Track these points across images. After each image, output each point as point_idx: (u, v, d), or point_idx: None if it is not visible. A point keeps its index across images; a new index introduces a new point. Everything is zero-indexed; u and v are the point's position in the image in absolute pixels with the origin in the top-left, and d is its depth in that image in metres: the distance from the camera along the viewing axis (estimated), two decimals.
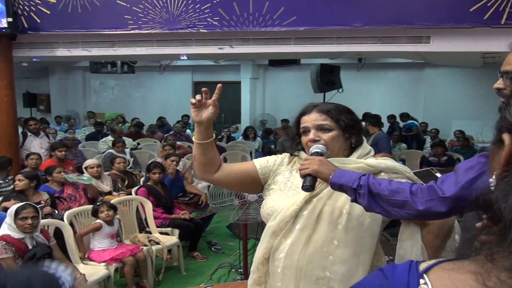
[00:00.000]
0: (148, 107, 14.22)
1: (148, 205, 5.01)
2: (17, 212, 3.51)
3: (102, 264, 4.12)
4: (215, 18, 5.92)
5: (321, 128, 1.76)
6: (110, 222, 4.29)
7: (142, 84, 14.54)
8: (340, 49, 5.97)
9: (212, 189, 4.18)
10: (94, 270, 4.00)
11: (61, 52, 6.67)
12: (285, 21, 5.74)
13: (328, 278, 1.66)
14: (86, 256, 4.22)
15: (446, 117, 11.45)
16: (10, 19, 6.13)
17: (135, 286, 4.38)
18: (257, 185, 1.92)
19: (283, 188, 1.83)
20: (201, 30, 6.01)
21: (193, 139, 1.85)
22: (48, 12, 6.33)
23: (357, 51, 6.25)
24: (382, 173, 1.71)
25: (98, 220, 4.26)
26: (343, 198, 1.67)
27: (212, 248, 5.60)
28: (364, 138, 1.86)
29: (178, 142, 8.51)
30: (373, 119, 6.54)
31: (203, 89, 1.78)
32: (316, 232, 1.68)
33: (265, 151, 9.69)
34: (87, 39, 6.49)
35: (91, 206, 4.48)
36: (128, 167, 6.63)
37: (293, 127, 1.88)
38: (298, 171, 1.66)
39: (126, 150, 7.45)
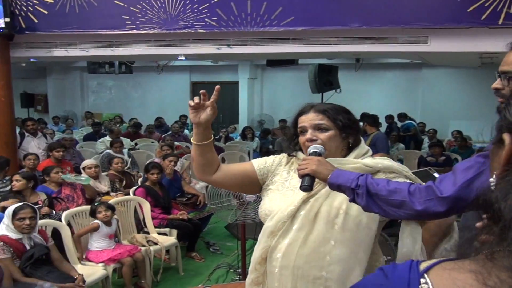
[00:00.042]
0: (146, 107, 14.22)
1: (146, 206, 5.00)
2: (15, 213, 3.51)
3: (100, 264, 4.11)
4: (213, 18, 5.93)
5: (318, 128, 1.76)
6: (108, 223, 4.28)
7: (140, 85, 14.54)
8: (338, 49, 5.98)
9: (210, 189, 4.18)
10: (92, 271, 3.99)
11: (59, 52, 6.66)
12: (283, 21, 5.75)
13: (325, 278, 1.66)
14: (84, 256, 4.21)
15: (444, 117, 11.47)
16: (7, 19, 6.13)
17: (133, 286, 4.37)
18: (256, 185, 1.92)
19: (281, 188, 1.83)
20: (199, 30, 6.01)
21: (192, 140, 1.85)
22: (46, 12, 6.32)
23: (355, 51, 6.26)
24: (380, 173, 1.70)
25: (95, 221, 4.26)
26: (340, 198, 1.67)
27: (210, 249, 5.60)
28: (361, 138, 1.86)
29: (176, 142, 8.50)
30: (371, 119, 6.55)
31: (201, 91, 1.78)
32: (313, 232, 1.68)
33: (263, 151, 9.70)
34: (85, 39, 6.48)
35: (89, 206, 4.47)
36: (126, 167, 6.62)
37: (291, 127, 1.89)
38: (296, 172, 1.66)
39: (124, 150, 7.44)
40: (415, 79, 12.41)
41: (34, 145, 6.88)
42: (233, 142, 10.39)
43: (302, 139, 1.79)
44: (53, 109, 14.46)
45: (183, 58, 7.88)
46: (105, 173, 5.97)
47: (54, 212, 4.54)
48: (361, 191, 1.48)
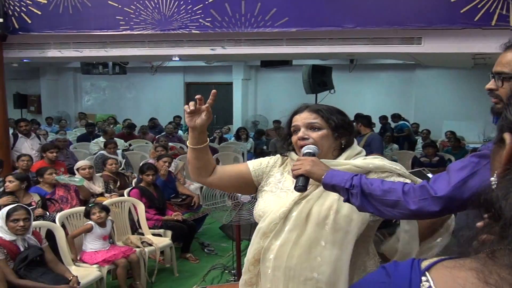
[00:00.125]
0: (139, 108, 14.18)
1: (141, 207, 4.99)
2: (8, 214, 3.49)
3: (95, 266, 4.09)
4: (207, 19, 5.92)
5: (311, 127, 1.77)
6: (102, 224, 4.27)
7: (134, 85, 14.50)
8: (332, 50, 6.00)
9: (205, 190, 4.17)
10: (87, 272, 3.98)
11: (52, 53, 6.64)
12: (277, 22, 5.75)
13: (316, 279, 1.67)
14: (78, 258, 4.20)
15: (437, 118, 11.50)
16: (0, 20, 6.10)
17: None
18: (251, 187, 1.93)
19: (275, 190, 1.84)
20: (193, 31, 6.00)
21: (187, 144, 1.86)
22: (39, 13, 6.30)
23: (348, 52, 6.28)
24: (372, 173, 1.70)
25: (89, 222, 4.24)
26: (331, 199, 1.68)
27: (205, 250, 5.59)
28: (355, 139, 1.87)
29: (170, 143, 8.48)
30: (365, 120, 6.56)
31: (196, 96, 1.78)
32: (305, 233, 1.69)
33: (257, 152, 9.68)
34: (78, 40, 6.46)
35: (83, 207, 4.45)
36: (120, 168, 6.61)
37: (285, 127, 1.89)
38: (290, 173, 1.67)
39: (118, 151, 7.42)
40: (408, 80, 12.45)
41: (27, 146, 6.85)
42: (227, 143, 10.38)
43: (294, 138, 1.80)
44: (47, 110, 14.37)
45: (177, 58, 7.87)
46: (99, 174, 5.95)
47: (48, 213, 4.52)
48: (355, 191, 1.48)
